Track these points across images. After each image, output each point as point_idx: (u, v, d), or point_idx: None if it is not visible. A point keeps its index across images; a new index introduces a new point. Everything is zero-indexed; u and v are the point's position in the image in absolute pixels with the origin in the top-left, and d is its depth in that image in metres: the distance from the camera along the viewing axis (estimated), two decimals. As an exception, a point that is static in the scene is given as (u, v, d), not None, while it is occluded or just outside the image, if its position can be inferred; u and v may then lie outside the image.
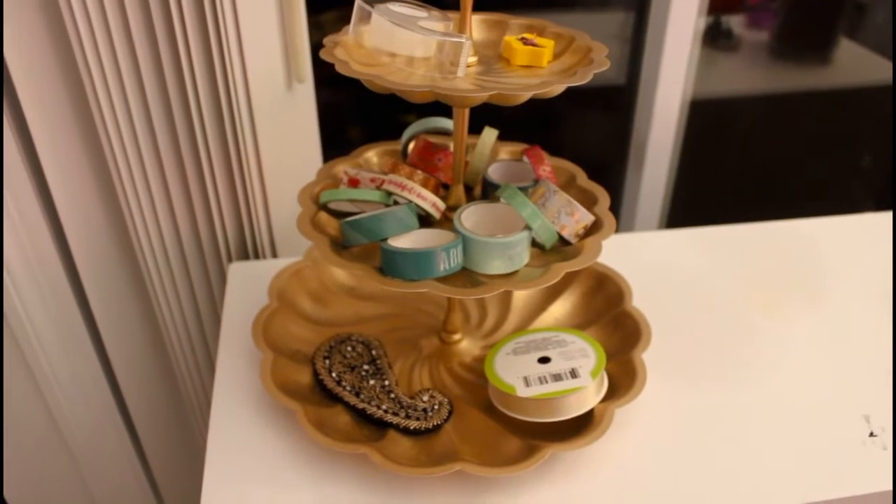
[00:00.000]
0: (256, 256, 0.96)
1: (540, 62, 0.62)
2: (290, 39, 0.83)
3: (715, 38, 1.28)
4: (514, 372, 0.68)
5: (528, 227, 0.62)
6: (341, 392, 0.70)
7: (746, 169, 1.46)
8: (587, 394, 0.66)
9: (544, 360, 0.69)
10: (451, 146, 0.69)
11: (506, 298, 0.83)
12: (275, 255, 0.97)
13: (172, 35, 0.78)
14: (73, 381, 1.04)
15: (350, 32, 0.62)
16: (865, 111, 1.42)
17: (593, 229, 0.66)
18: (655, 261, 0.94)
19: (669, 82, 1.18)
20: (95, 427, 1.10)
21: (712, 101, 1.30)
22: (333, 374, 0.71)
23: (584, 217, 0.64)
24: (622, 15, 1.22)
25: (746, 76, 1.36)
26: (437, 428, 0.68)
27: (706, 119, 1.29)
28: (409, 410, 0.68)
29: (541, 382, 0.66)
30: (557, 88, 0.56)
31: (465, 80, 0.59)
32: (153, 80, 0.81)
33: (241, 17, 0.77)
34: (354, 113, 1.20)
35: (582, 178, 0.73)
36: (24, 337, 0.94)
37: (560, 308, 0.81)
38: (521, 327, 0.80)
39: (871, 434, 0.70)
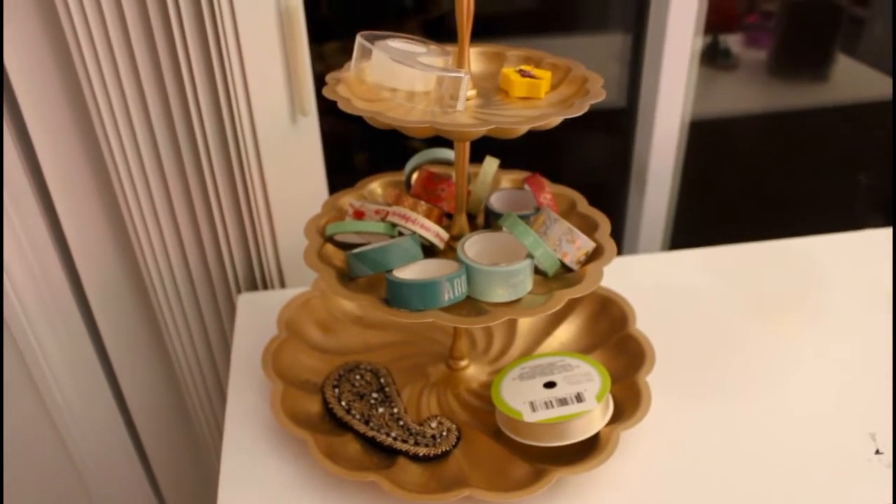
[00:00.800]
0: (265, 286, 0.98)
1: (538, 94, 0.63)
2: (293, 73, 0.85)
3: (713, 57, 1.29)
4: (520, 397, 0.69)
5: (530, 256, 0.64)
6: (351, 420, 0.71)
7: (747, 188, 1.46)
8: (593, 417, 0.67)
9: (550, 384, 0.70)
10: (454, 176, 0.70)
11: (511, 324, 0.84)
12: (283, 284, 0.98)
13: (178, 70, 0.80)
14: (83, 410, 1.05)
15: (352, 69, 0.64)
16: (864, 127, 1.43)
17: (595, 255, 0.67)
18: (659, 282, 0.95)
19: (668, 103, 1.18)
20: (107, 455, 1.12)
21: (712, 121, 1.30)
22: (343, 403, 0.73)
23: (585, 244, 0.65)
24: (621, 37, 1.23)
25: (745, 95, 1.37)
26: (445, 454, 0.69)
27: (706, 139, 1.30)
28: (418, 437, 0.69)
29: (547, 407, 0.67)
30: (555, 121, 0.58)
31: (464, 114, 0.60)
32: (160, 115, 0.83)
33: (245, 51, 0.80)
34: (360, 140, 1.21)
35: (582, 204, 0.74)
36: (37, 369, 0.96)
37: (565, 332, 0.82)
38: (527, 352, 0.81)
39: (877, 452, 0.71)
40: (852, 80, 1.40)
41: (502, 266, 0.62)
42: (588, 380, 0.69)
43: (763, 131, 1.41)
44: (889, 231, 1.04)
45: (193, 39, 0.78)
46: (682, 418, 0.74)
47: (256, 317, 0.87)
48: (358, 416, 0.71)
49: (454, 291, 0.62)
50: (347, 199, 0.73)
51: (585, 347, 0.80)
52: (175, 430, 1.17)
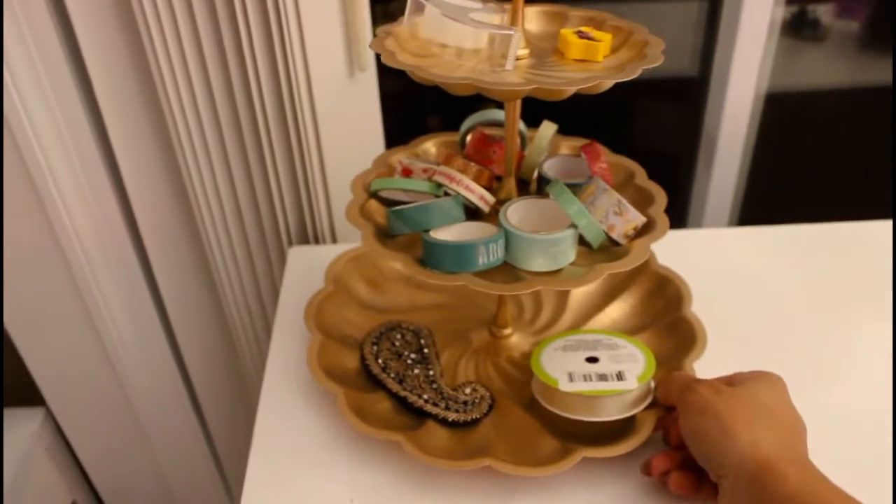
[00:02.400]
0: (316, 241, 0.98)
1: (595, 56, 0.60)
2: (351, 28, 0.84)
3: (799, 28, 1.20)
4: (559, 367, 0.67)
5: (573, 226, 0.61)
6: (385, 378, 0.71)
7: (826, 166, 1.37)
8: (630, 398, 0.64)
9: (592, 359, 0.67)
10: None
11: (562, 296, 0.82)
12: (335, 240, 0.99)
13: (235, 22, 0.80)
14: (141, 355, 1.09)
15: (405, 23, 0.62)
16: None
17: (645, 230, 0.64)
18: (720, 259, 0.91)
19: (742, 74, 1.12)
20: (161, 398, 1.16)
21: (792, 94, 1.22)
22: (380, 361, 0.72)
23: (634, 217, 0.62)
24: (698, 4, 1.16)
25: (832, 68, 1.27)
26: (475, 422, 0.68)
27: (785, 113, 1.22)
28: (450, 402, 0.69)
29: (585, 380, 0.65)
30: (603, 84, 0.55)
31: (513, 73, 0.58)
32: (218, 70, 0.84)
33: (302, 5, 0.79)
34: (428, 100, 1.20)
35: (641, 176, 0.71)
36: (97, 313, 0.99)
37: (617, 309, 0.79)
38: (575, 326, 0.79)
39: None
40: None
41: (542, 234, 0.60)
42: (632, 361, 0.67)
43: (848, 107, 1.31)
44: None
45: None
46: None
47: (306, 270, 0.88)
48: (393, 375, 0.71)
49: (489, 256, 0.60)
50: (398, 157, 0.72)
51: (637, 326, 0.77)
52: (225, 377, 1.21)
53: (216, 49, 0.83)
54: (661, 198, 0.67)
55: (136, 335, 1.07)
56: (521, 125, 0.73)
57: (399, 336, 0.76)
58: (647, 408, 0.65)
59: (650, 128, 1.32)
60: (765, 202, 1.32)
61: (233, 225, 0.97)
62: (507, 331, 0.76)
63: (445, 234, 0.62)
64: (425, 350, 0.74)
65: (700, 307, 0.76)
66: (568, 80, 0.55)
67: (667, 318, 0.75)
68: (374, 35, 0.62)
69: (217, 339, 1.16)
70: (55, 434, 1.16)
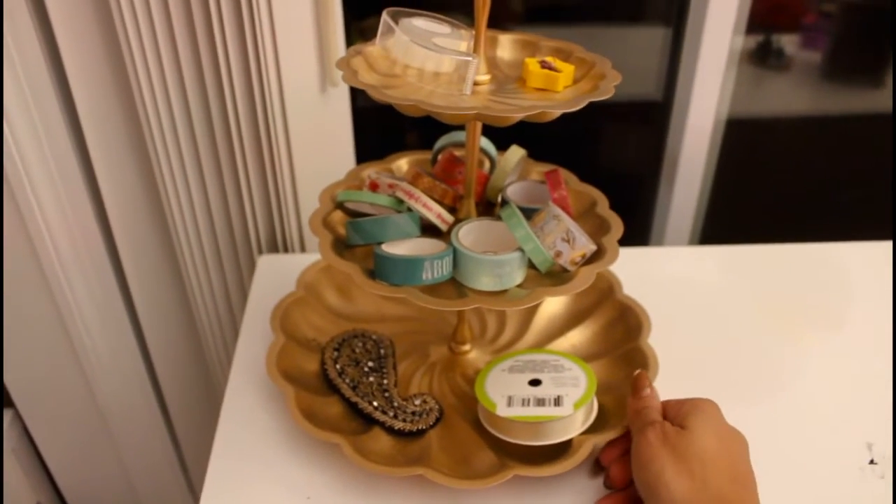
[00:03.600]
0: (286, 250, 1.01)
1: (555, 86, 0.62)
2: (324, 44, 0.87)
3: (764, 57, 1.24)
4: (501, 389, 0.68)
5: (521, 249, 0.63)
6: (340, 383, 0.73)
7: (784, 190, 1.41)
8: (567, 423, 0.65)
9: (535, 382, 0.69)
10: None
11: (526, 317, 0.83)
12: (303, 249, 1.02)
13: (211, 37, 0.83)
14: (110, 356, 1.10)
15: (376, 43, 0.65)
16: None
17: (595, 258, 0.65)
18: (678, 276, 0.94)
19: (702, 100, 1.17)
20: (129, 399, 1.18)
21: (753, 120, 1.27)
22: (338, 366, 0.75)
23: (581, 246, 0.64)
24: (662, 30, 1.20)
25: (793, 96, 1.32)
26: (420, 432, 0.69)
27: (745, 138, 1.27)
28: (398, 411, 0.71)
29: (523, 404, 0.66)
30: (548, 114, 0.57)
31: (471, 98, 0.60)
32: (193, 80, 0.87)
33: (277, 19, 0.82)
34: (399, 119, 1.22)
35: (602, 205, 0.72)
36: (68, 313, 1.02)
37: (579, 335, 0.80)
38: (536, 347, 0.80)
39: (871, 461, 0.69)
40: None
41: (489, 255, 0.62)
42: (574, 385, 0.68)
43: (807, 134, 1.36)
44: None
45: (227, 7, 0.81)
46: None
47: (275, 277, 0.91)
48: (348, 381, 0.73)
49: (434, 272, 0.62)
50: (369, 171, 0.75)
51: (595, 353, 0.78)
52: (193, 381, 1.23)
53: (192, 60, 0.86)
54: (616, 227, 0.68)
55: (107, 339, 1.09)
56: (492, 148, 0.76)
57: (360, 344, 0.78)
58: (586, 431, 0.66)
59: (616, 149, 1.36)
60: (724, 222, 1.36)
61: (204, 231, 1.00)
62: (466, 347, 0.78)
63: (398, 248, 0.65)
64: (383, 360, 0.76)
65: (654, 318, 0.78)
66: (514, 108, 0.56)
67: (624, 347, 0.76)
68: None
69: (186, 344, 1.18)
70: (22, 435, 1.17)
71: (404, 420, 0.70)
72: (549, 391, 0.67)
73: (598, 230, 0.69)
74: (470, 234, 0.66)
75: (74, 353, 1.06)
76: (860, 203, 1.40)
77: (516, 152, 0.73)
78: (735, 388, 0.78)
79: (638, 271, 0.84)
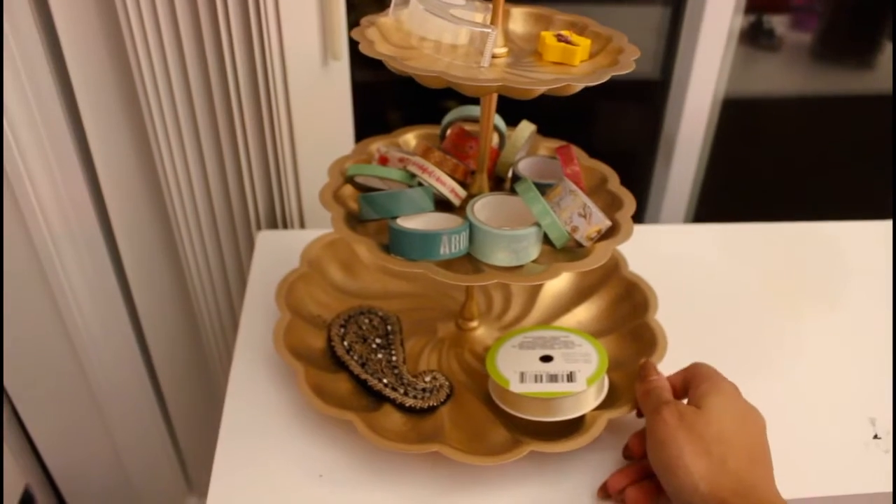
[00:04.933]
0: (285, 226, 1.00)
1: (571, 60, 0.61)
2: (327, 17, 0.86)
3: (755, 37, 1.26)
4: (513, 366, 0.68)
5: (537, 224, 0.62)
6: (348, 361, 0.72)
7: (778, 169, 1.44)
8: (580, 399, 0.65)
9: (546, 358, 0.69)
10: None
11: (532, 293, 0.83)
12: (303, 225, 1.01)
13: (213, 8, 0.81)
14: (102, 334, 1.08)
15: (390, 14, 0.64)
16: None
17: (609, 234, 0.65)
18: (675, 253, 0.96)
19: (701, 79, 1.18)
20: (121, 379, 1.15)
21: (747, 100, 1.29)
22: (345, 343, 0.74)
23: (598, 221, 0.63)
24: (661, 8, 1.21)
25: (785, 77, 1.34)
26: (431, 409, 0.69)
27: (740, 118, 1.29)
28: (409, 388, 0.70)
29: (536, 381, 0.66)
30: (571, 87, 0.56)
31: (488, 71, 0.59)
32: (193, 52, 0.85)
33: None
34: (395, 95, 1.22)
35: (614, 181, 0.72)
36: (59, 290, 0.99)
37: (585, 311, 0.80)
38: (541, 323, 0.80)
39: (876, 436, 0.71)
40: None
41: (505, 230, 0.61)
42: (585, 361, 0.68)
43: (800, 114, 1.39)
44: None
45: None
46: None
47: (274, 254, 0.90)
48: (356, 358, 0.73)
49: (451, 247, 0.61)
50: (378, 145, 0.74)
51: (602, 329, 0.78)
52: (187, 359, 1.21)
53: (193, 32, 0.83)
54: (629, 204, 0.68)
55: (100, 317, 1.07)
56: (501, 124, 0.75)
57: (367, 321, 0.77)
58: (598, 407, 0.66)
59: (613, 127, 1.37)
60: (718, 201, 1.38)
61: (202, 206, 0.98)
62: (474, 323, 0.78)
63: (412, 222, 0.64)
64: (391, 336, 0.76)
65: (659, 297, 0.78)
66: (537, 81, 0.56)
67: (631, 323, 0.77)
68: (358, 24, 0.63)
69: (181, 321, 1.16)
70: (10, 416, 1.14)
71: (415, 397, 0.69)
72: (562, 367, 0.67)
73: (609, 206, 0.69)
74: (485, 208, 0.65)
75: (66, 332, 1.03)
76: (852, 182, 1.42)
77: (527, 127, 0.73)
78: (737, 363, 0.76)
79: (637, 248, 0.82)
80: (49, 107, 0.89)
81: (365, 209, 0.65)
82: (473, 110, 0.73)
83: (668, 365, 0.70)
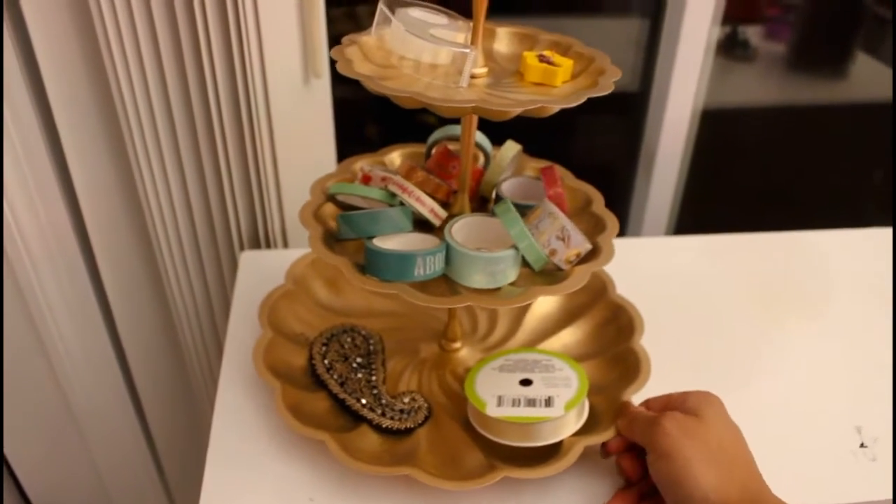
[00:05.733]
0: (268, 246, 0.99)
1: (552, 81, 0.61)
2: (308, 35, 0.85)
3: (731, 48, 1.28)
4: (492, 389, 0.67)
5: (515, 246, 0.62)
6: (328, 379, 0.72)
7: (756, 179, 1.46)
8: (558, 424, 0.64)
9: (526, 382, 0.68)
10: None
11: (518, 315, 0.82)
12: (286, 245, 1.00)
13: (194, 26, 0.81)
14: (82, 356, 1.08)
15: (372, 33, 0.63)
16: (880, 126, 1.36)
17: (590, 257, 0.64)
18: (658, 266, 0.95)
19: (681, 91, 1.18)
20: (102, 402, 1.15)
21: (725, 111, 1.31)
22: (326, 361, 0.73)
23: (577, 244, 0.62)
24: (640, 21, 1.22)
25: (761, 87, 1.36)
26: (408, 431, 0.68)
27: (718, 129, 1.30)
28: (386, 409, 0.69)
29: (514, 405, 0.65)
30: (547, 109, 0.56)
31: (467, 91, 0.59)
32: (174, 71, 0.84)
33: (262, 11, 0.80)
34: (375, 111, 1.23)
35: (598, 204, 0.71)
36: (38, 313, 0.98)
37: (571, 335, 0.79)
38: (527, 346, 0.79)
39: (862, 445, 0.71)
40: (871, 79, 1.36)
41: (482, 252, 0.60)
42: (565, 385, 0.67)
43: (776, 124, 1.40)
44: (891, 230, 1.02)
45: None
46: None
47: (258, 273, 0.89)
48: (336, 377, 0.72)
49: (427, 268, 0.61)
50: (361, 163, 0.74)
51: (587, 353, 0.77)
52: (169, 380, 1.20)
53: (173, 50, 0.83)
54: (612, 226, 0.67)
55: (81, 340, 1.06)
56: (487, 143, 0.74)
57: (349, 339, 0.77)
58: (577, 432, 0.65)
59: (593, 139, 1.38)
60: (700, 212, 1.39)
61: (183, 226, 0.97)
62: (457, 345, 0.77)
63: (390, 243, 0.63)
64: (372, 356, 0.75)
65: (643, 311, 0.78)
66: (513, 102, 0.55)
67: (616, 347, 0.75)
68: (334, 41, 0.63)
69: (163, 343, 1.15)
70: None
71: (392, 418, 0.68)
72: (540, 391, 0.66)
73: (592, 229, 0.68)
74: (463, 229, 0.65)
75: (45, 352, 1.02)
76: (830, 191, 1.45)
77: (511, 148, 0.72)
78: (724, 374, 0.79)
79: (620, 262, 0.82)
80: (27, 126, 0.88)
81: (343, 228, 0.64)
82: (458, 129, 0.72)
83: (655, 382, 0.70)
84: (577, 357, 0.76)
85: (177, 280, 1.02)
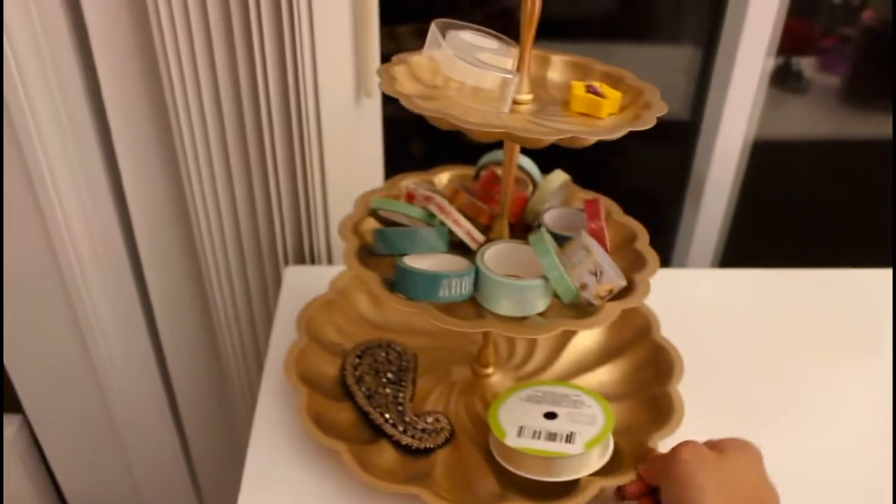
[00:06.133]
0: (312, 262, 1.00)
1: (598, 112, 0.60)
2: (361, 54, 0.87)
3: (784, 79, 1.25)
4: (515, 418, 0.66)
5: (545, 276, 0.61)
6: (355, 391, 0.72)
7: (806, 213, 1.41)
8: (576, 462, 0.62)
9: (551, 415, 0.66)
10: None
11: (559, 347, 0.80)
12: (330, 261, 1.01)
13: (250, 44, 0.82)
14: (127, 367, 1.10)
15: (423, 53, 0.64)
16: None
17: (624, 294, 0.62)
18: (703, 299, 0.93)
19: (733, 122, 1.16)
20: (143, 412, 1.16)
21: (776, 143, 1.27)
22: (357, 373, 0.74)
23: (611, 281, 0.61)
24: (691, 50, 1.21)
25: (813, 120, 1.33)
26: (427, 451, 0.68)
27: (768, 161, 1.27)
28: (409, 426, 0.69)
29: (534, 437, 0.64)
30: (582, 140, 0.55)
31: (506, 117, 0.59)
32: (228, 86, 0.86)
33: (317, 31, 0.82)
34: (426, 130, 1.22)
35: (643, 240, 0.69)
36: (86, 324, 1.00)
37: (608, 372, 0.77)
38: (561, 379, 0.77)
39: None
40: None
41: (510, 279, 0.60)
42: (589, 423, 0.65)
43: (828, 158, 1.38)
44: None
45: (268, 14, 0.80)
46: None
47: (301, 288, 0.88)
48: (364, 390, 0.73)
49: (452, 289, 0.60)
50: (408, 181, 0.74)
51: (622, 393, 0.75)
52: (210, 393, 1.21)
53: (229, 67, 0.84)
54: (653, 265, 0.66)
55: (124, 348, 1.08)
56: (535, 171, 0.74)
57: (384, 354, 0.77)
58: (599, 472, 0.63)
59: (639, 166, 1.36)
60: (747, 244, 1.35)
61: (230, 239, 0.98)
62: (489, 370, 0.76)
63: (422, 262, 0.63)
64: (403, 373, 0.75)
65: (680, 342, 0.77)
66: (547, 130, 0.55)
67: (652, 390, 0.73)
68: (387, 60, 0.64)
69: (205, 354, 1.16)
70: (30, 442, 1.15)
71: (412, 436, 0.68)
72: (563, 427, 0.65)
73: (633, 266, 0.66)
74: (497, 255, 0.64)
75: (90, 361, 1.05)
76: (883, 228, 1.36)
77: (558, 177, 0.71)
78: (765, 419, 0.76)
79: (662, 294, 0.78)
80: (83, 136, 0.91)
81: (378, 244, 0.65)
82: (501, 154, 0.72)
83: (692, 424, 0.68)
84: (612, 396, 0.74)
85: (220, 292, 1.04)
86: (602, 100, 0.60)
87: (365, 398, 0.72)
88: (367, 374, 0.75)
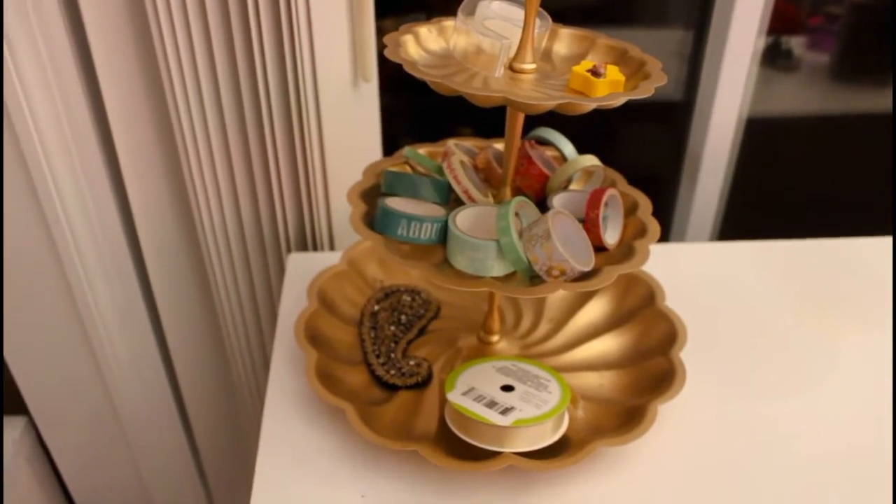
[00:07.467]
0: (315, 248, 1.01)
1: (591, 91, 0.60)
2: (358, 40, 0.89)
3: (774, 58, 1.30)
4: (473, 380, 0.69)
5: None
6: (364, 321, 0.79)
7: (800, 187, 1.47)
8: (500, 433, 0.64)
9: (508, 388, 0.68)
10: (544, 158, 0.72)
11: (566, 317, 0.83)
12: (332, 247, 1.02)
13: (247, 29, 0.84)
14: (130, 361, 1.10)
15: (458, 16, 0.65)
16: None
17: (623, 259, 0.63)
18: (703, 272, 0.95)
19: (726, 100, 1.20)
20: (149, 406, 1.16)
21: (768, 119, 1.33)
22: (377, 307, 0.81)
23: (560, 261, 0.60)
24: (682, 32, 1.26)
25: (804, 97, 1.39)
26: (394, 387, 0.73)
27: (762, 137, 1.31)
28: (389, 362, 0.75)
29: (476, 400, 0.66)
30: (577, 107, 0.56)
31: (501, 82, 0.60)
32: (226, 74, 0.87)
33: (314, 16, 0.84)
34: (414, 120, 1.30)
35: (645, 209, 0.69)
36: (90, 323, 1.00)
37: (611, 340, 0.80)
38: (566, 348, 0.79)
39: None
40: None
41: (463, 233, 0.62)
42: (536, 406, 0.66)
43: (820, 133, 1.43)
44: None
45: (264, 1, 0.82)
46: (702, 412, 0.73)
47: (305, 275, 0.88)
48: (371, 323, 0.79)
49: (411, 231, 0.64)
50: (454, 141, 0.76)
51: (624, 360, 0.77)
52: (215, 384, 1.20)
53: (226, 53, 0.86)
54: (653, 233, 0.66)
55: (127, 343, 1.08)
56: (570, 150, 0.74)
57: (409, 298, 0.83)
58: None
59: (636, 146, 1.42)
60: (744, 219, 1.40)
61: (232, 227, 0.99)
62: (494, 338, 0.78)
63: (407, 206, 0.66)
64: (417, 319, 0.81)
65: (684, 315, 0.78)
66: (542, 96, 0.56)
67: (654, 357, 0.74)
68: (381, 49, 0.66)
69: (209, 346, 1.16)
70: (36, 444, 1.15)
71: (387, 370, 0.74)
72: (509, 401, 0.67)
73: (634, 233, 0.67)
74: (476, 215, 0.66)
75: (94, 358, 1.05)
76: (875, 199, 1.39)
77: (583, 160, 0.71)
78: (768, 387, 0.77)
79: (663, 268, 0.82)
80: (80, 125, 0.91)
81: (384, 183, 0.70)
82: (545, 132, 0.74)
83: (697, 392, 0.70)
84: (616, 363, 0.76)
85: (224, 283, 1.04)
86: (596, 80, 0.60)
87: (369, 328, 0.78)
88: (384, 310, 0.80)
